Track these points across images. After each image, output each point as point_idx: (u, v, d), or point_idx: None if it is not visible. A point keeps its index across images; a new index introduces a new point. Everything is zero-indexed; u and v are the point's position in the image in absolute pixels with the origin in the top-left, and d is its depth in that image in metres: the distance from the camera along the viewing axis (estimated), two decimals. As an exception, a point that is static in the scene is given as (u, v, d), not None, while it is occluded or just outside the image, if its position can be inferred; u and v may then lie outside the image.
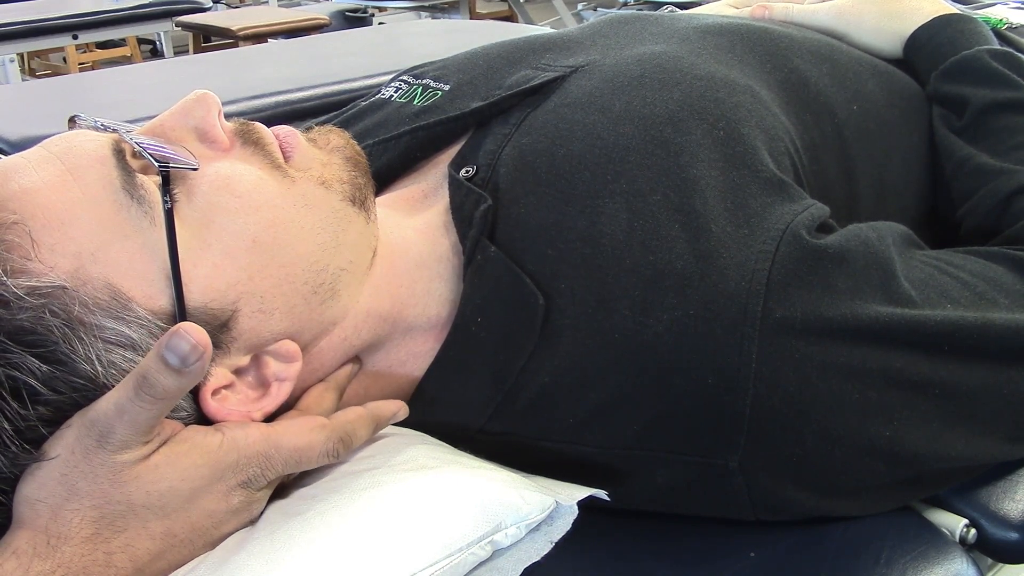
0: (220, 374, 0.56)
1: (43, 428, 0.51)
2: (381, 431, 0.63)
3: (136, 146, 0.55)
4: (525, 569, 0.55)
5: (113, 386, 0.51)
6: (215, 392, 0.56)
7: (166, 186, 0.54)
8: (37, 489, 0.50)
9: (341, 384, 0.63)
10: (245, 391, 0.57)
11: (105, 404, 0.50)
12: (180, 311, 0.54)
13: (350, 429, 0.58)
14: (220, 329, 0.55)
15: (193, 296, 0.54)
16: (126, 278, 0.53)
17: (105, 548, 0.50)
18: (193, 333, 0.48)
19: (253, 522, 0.55)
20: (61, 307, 0.50)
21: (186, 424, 0.54)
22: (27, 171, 0.54)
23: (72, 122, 0.61)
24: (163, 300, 0.53)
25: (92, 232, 0.52)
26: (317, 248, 0.60)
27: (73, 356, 0.50)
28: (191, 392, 0.54)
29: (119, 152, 0.56)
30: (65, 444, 0.50)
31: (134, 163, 0.55)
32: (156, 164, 0.54)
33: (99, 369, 0.51)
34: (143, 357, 0.52)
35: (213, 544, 0.54)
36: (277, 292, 0.57)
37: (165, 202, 0.54)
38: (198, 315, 0.54)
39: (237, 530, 0.54)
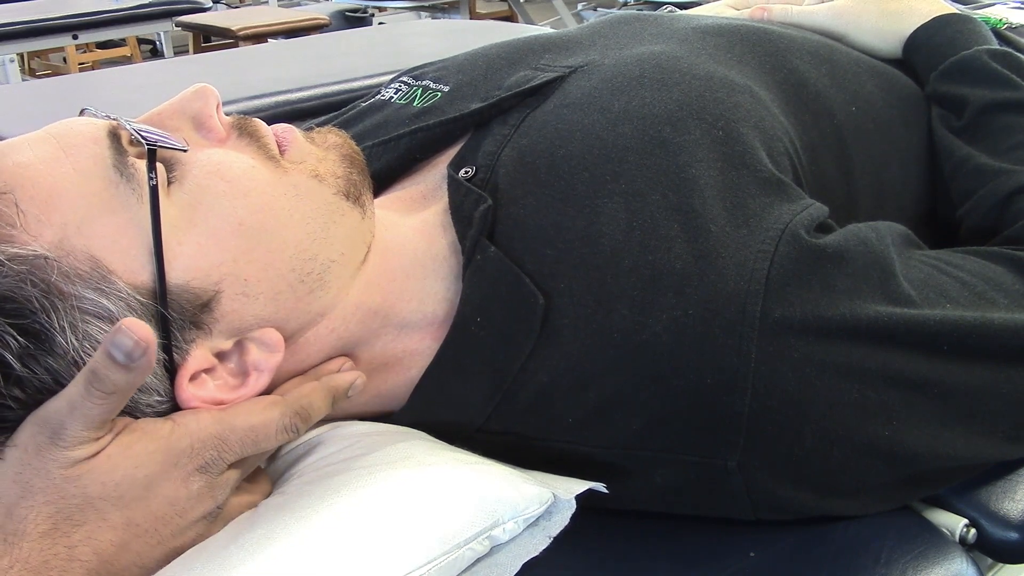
0: (201, 356, 0.56)
1: (14, 411, 0.51)
2: (379, 429, 0.63)
3: (127, 126, 0.56)
4: (525, 566, 0.55)
5: (85, 361, 0.51)
6: (194, 377, 0.56)
7: (152, 163, 0.55)
8: None
9: (324, 376, 0.62)
10: (225, 377, 0.58)
11: (57, 402, 0.50)
12: (160, 286, 0.54)
13: (306, 403, 0.58)
14: (202, 309, 0.56)
15: (175, 273, 0.55)
16: (109, 251, 0.54)
17: (66, 542, 0.50)
18: (135, 329, 0.48)
19: (219, 508, 0.55)
20: (41, 276, 0.51)
21: (163, 408, 0.55)
22: (23, 148, 0.55)
23: (81, 114, 0.62)
24: (144, 275, 0.54)
25: (79, 206, 0.54)
26: (306, 237, 0.60)
27: (50, 328, 0.51)
28: (168, 376, 0.55)
29: (114, 135, 0.57)
30: (19, 442, 0.51)
31: (131, 150, 0.57)
32: (144, 142, 0.55)
33: (72, 342, 0.51)
34: None
35: (183, 534, 0.54)
36: (262, 277, 0.58)
37: (151, 179, 0.55)
38: (179, 292, 0.55)
39: (204, 516, 0.54)
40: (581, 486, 0.58)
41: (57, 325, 0.51)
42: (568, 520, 0.56)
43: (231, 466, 0.55)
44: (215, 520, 0.55)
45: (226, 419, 0.55)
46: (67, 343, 0.51)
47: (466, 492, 0.55)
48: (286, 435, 0.57)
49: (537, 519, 0.57)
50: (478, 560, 0.55)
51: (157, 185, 0.55)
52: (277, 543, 0.52)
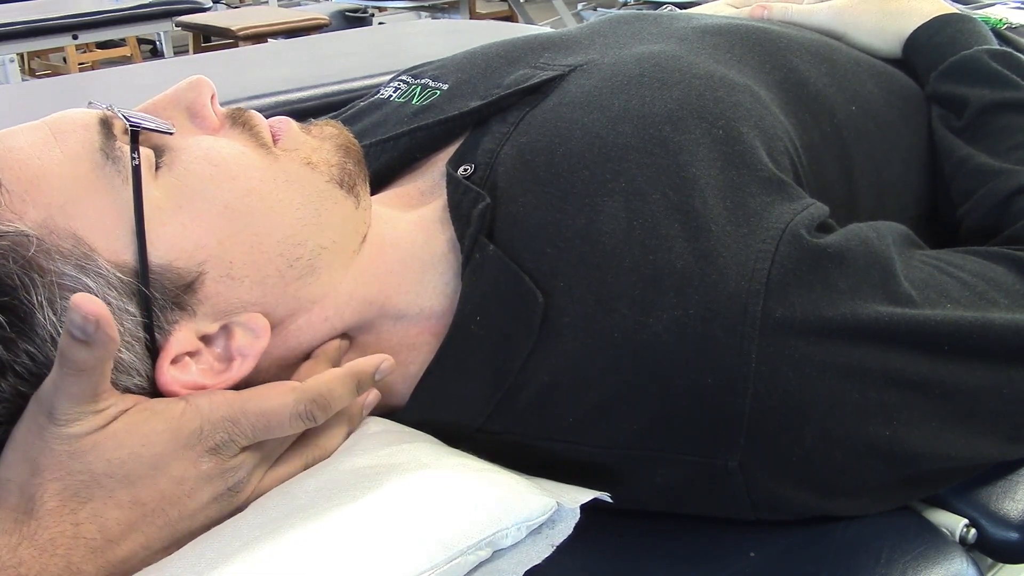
0: (184, 339, 0.56)
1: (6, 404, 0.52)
2: (385, 428, 0.63)
3: (116, 112, 0.57)
4: (525, 569, 0.55)
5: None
6: (176, 360, 0.56)
7: (135, 144, 0.56)
8: (6, 469, 0.52)
9: (332, 358, 0.63)
10: (211, 361, 0.58)
11: (46, 381, 0.51)
12: (141, 265, 0.55)
13: (325, 391, 0.57)
14: (185, 290, 0.56)
15: (158, 253, 0.55)
16: (92, 231, 0.54)
17: (72, 519, 0.51)
18: (84, 304, 0.48)
19: (232, 491, 0.55)
20: (21, 253, 0.52)
21: (144, 390, 0.55)
22: (17, 135, 0.57)
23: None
24: (127, 254, 0.55)
25: (65, 187, 0.55)
26: (295, 222, 0.61)
27: (29, 305, 0.52)
28: (150, 357, 0.55)
29: (105, 123, 0.58)
30: (25, 422, 0.52)
31: (123, 137, 0.57)
32: (128, 123, 0.56)
33: (50, 317, 0.52)
34: None
35: (192, 517, 0.54)
36: (248, 260, 0.58)
37: (133, 159, 0.56)
38: (161, 272, 0.55)
39: (215, 499, 0.55)
40: (586, 495, 0.57)
41: (36, 301, 0.52)
42: (572, 529, 0.56)
43: (246, 449, 0.55)
44: (232, 502, 0.56)
45: (238, 402, 0.55)
46: (44, 319, 0.52)
47: (470, 497, 0.55)
48: (301, 423, 0.56)
49: (540, 527, 0.57)
50: (480, 565, 0.55)
51: (140, 165, 0.56)
52: (280, 540, 0.52)
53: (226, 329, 0.58)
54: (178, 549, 0.54)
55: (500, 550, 0.56)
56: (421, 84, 0.82)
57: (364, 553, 0.51)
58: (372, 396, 0.64)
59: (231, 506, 0.56)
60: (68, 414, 0.51)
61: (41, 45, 3.93)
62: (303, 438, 0.60)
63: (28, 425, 0.52)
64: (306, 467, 0.59)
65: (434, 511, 0.54)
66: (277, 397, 0.56)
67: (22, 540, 0.49)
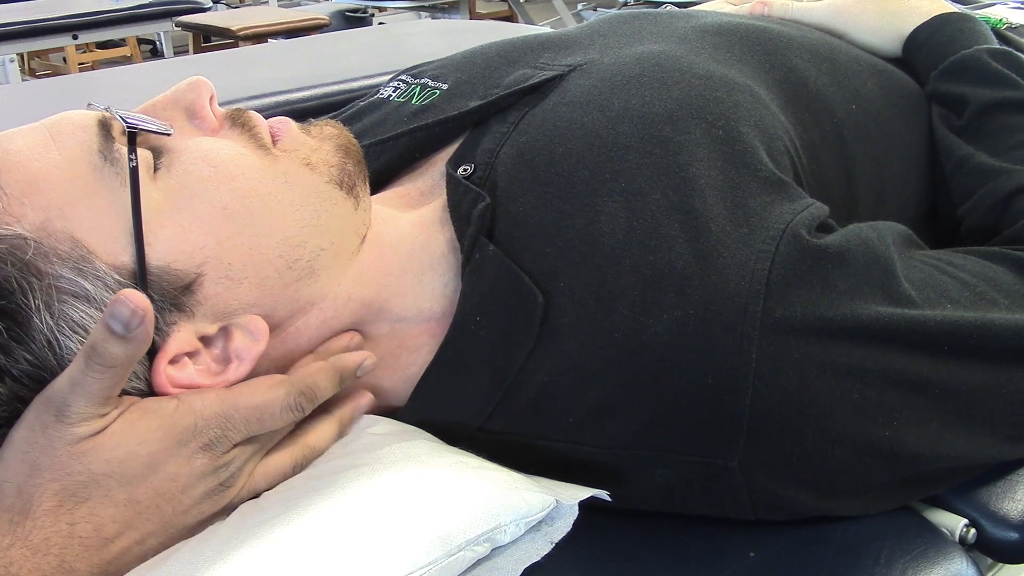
0: (183, 339, 0.56)
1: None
2: (385, 429, 0.63)
3: (114, 113, 0.57)
4: (525, 567, 0.55)
5: (60, 341, 0.52)
6: (175, 360, 0.56)
7: (132, 145, 0.56)
8: (3, 470, 0.52)
9: (332, 354, 0.63)
10: (208, 363, 0.58)
11: (60, 380, 0.51)
12: (140, 267, 0.55)
13: (311, 382, 0.58)
14: (183, 291, 0.56)
15: (157, 255, 0.55)
16: (91, 233, 0.54)
17: (68, 519, 0.51)
18: (132, 298, 0.49)
19: (224, 486, 0.56)
20: (19, 256, 0.52)
21: (138, 392, 0.55)
22: (15, 137, 0.57)
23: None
24: (125, 256, 0.55)
25: (63, 189, 0.55)
26: (295, 224, 0.61)
27: (27, 309, 0.52)
28: (147, 357, 0.55)
29: (104, 124, 0.58)
30: (26, 423, 0.52)
31: (121, 139, 0.57)
32: (125, 124, 0.56)
33: (47, 321, 0.52)
34: (97, 311, 0.53)
35: (186, 513, 0.54)
36: (247, 261, 0.58)
37: (131, 160, 0.56)
38: (159, 274, 0.55)
39: (207, 494, 0.55)
40: (585, 493, 0.57)
41: (33, 305, 0.52)
42: (571, 526, 0.56)
43: (238, 445, 0.56)
44: (224, 496, 0.56)
45: (230, 398, 0.56)
46: (42, 322, 0.52)
47: (468, 494, 0.55)
48: (291, 414, 0.57)
49: (539, 524, 0.57)
50: (479, 562, 0.55)
51: (137, 167, 0.56)
52: (279, 537, 0.52)
53: (225, 331, 0.58)
54: (170, 544, 0.54)
55: (499, 547, 0.56)
56: (420, 84, 0.82)
57: (363, 549, 0.52)
58: (365, 399, 0.64)
59: (223, 500, 0.56)
60: (81, 412, 0.51)
61: (41, 45, 3.93)
62: (292, 436, 0.60)
63: (30, 424, 0.52)
64: (295, 464, 0.60)
65: (433, 507, 0.54)
66: (267, 391, 0.56)
67: (15, 541, 0.49)
